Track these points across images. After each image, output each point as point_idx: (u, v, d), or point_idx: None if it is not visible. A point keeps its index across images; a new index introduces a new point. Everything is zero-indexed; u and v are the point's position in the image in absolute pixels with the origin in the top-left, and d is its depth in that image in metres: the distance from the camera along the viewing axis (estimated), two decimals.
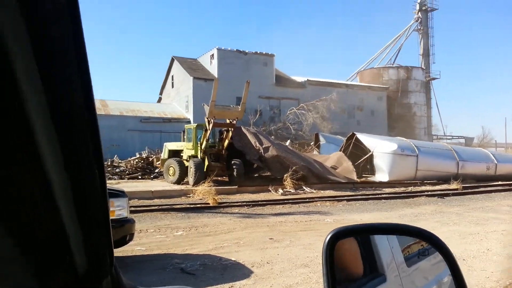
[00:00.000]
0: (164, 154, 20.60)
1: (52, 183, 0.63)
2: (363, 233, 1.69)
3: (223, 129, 18.49)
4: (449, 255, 1.48)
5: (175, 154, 19.80)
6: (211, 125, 17.38)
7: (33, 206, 0.64)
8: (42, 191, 0.63)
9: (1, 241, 0.63)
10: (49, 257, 0.70)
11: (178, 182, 18.22)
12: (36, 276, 0.69)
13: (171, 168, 18.81)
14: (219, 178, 17.20)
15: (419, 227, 1.59)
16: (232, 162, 18.08)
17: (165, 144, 21.35)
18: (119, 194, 5.83)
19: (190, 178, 17.32)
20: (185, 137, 19.71)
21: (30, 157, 0.59)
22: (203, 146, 18.00)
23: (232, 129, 18.01)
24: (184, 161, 18.75)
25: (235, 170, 17.75)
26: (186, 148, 19.18)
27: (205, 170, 17.23)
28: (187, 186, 16.61)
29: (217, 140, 18.99)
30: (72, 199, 0.68)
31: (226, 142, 18.29)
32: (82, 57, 0.61)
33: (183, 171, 18.21)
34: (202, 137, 18.14)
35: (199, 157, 17.96)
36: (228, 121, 17.95)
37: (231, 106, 18.88)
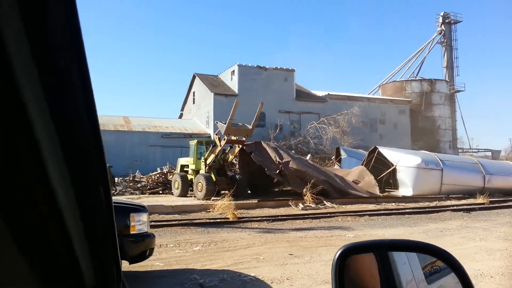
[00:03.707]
0: (177, 169, 21.45)
1: (59, 201, 0.65)
2: (374, 250, 1.67)
3: (231, 145, 19.08)
4: (461, 271, 1.43)
5: (185, 169, 20.62)
6: (223, 142, 18.08)
7: (42, 223, 0.66)
8: (50, 208, 0.65)
9: (10, 256, 0.64)
10: (56, 272, 0.71)
11: (182, 195, 18.99)
12: None
13: (176, 182, 19.67)
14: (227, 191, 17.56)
15: (429, 242, 1.55)
16: (235, 176, 18.97)
17: (178, 159, 22.24)
18: (140, 209, 5.88)
19: (198, 192, 17.71)
20: (189, 152, 20.70)
21: (38, 176, 0.61)
22: (208, 161, 18.56)
23: (240, 145, 18.62)
24: (188, 175, 19.58)
25: (237, 184, 18.20)
26: (190, 163, 20.07)
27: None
28: (207, 201, 16.65)
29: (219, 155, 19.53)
30: (79, 216, 0.70)
31: (231, 157, 19.13)
32: (86, 83, 0.62)
33: (186, 184, 19.13)
34: (208, 152, 18.76)
35: (205, 171, 18.47)
36: (234, 138, 18.46)
37: (241, 124, 19.48)
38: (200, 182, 17.69)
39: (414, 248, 1.66)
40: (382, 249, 1.67)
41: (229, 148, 19.17)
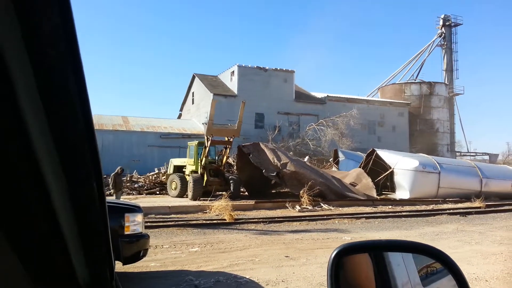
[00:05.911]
0: (170, 170, 21.41)
1: (52, 199, 0.65)
2: (370, 250, 1.66)
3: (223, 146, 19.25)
4: (457, 272, 1.43)
5: (179, 169, 20.54)
6: (209, 143, 18.25)
7: (35, 221, 0.66)
8: (43, 206, 0.65)
9: (4, 255, 0.64)
10: (50, 271, 0.72)
11: (180, 196, 18.97)
12: None
13: (173, 182, 19.66)
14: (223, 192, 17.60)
15: (425, 243, 1.55)
16: (230, 177, 18.92)
17: (170, 160, 22.22)
18: (135, 209, 5.87)
19: (189, 192, 17.94)
20: (188, 153, 20.54)
21: (32, 174, 0.61)
22: (202, 162, 18.68)
23: (230, 146, 18.79)
24: (186, 176, 19.50)
25: (231, 185, 18.32)
26: (188, 164, 20.02)
27: (204, 185, 18.10)
28: (204, 201, 16.66)
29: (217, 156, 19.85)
30: (72, 214, 0.70)
31: (225, 158, 19.13)
32: (80, 81, 0.63)
33: (184, 185, 18.92)
34: (202, 153, 18.86)
35: (199, 173, 18.60)
36: (226, 139, 18.68)
37: (229, 124, 19.54)
38: (190, 182, 17.98)
39: (410, 248, 1.65)
40: (379, 249, 1.66)
41: (223, 149, 19.26)
